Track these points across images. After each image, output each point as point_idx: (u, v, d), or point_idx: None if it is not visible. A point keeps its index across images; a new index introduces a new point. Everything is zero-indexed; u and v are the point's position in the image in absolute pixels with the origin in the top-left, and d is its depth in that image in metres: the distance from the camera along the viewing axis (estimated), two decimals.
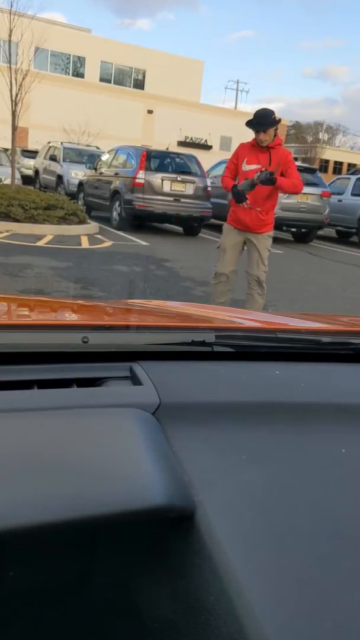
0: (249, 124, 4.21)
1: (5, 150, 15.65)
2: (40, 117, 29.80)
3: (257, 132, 4.18)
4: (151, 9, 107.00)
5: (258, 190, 4.20)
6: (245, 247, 4.50)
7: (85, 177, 13.64)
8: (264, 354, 0.91)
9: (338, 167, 48.57)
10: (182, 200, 11.01)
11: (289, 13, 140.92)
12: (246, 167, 4.30)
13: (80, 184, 13.84)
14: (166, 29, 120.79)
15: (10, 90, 10.71)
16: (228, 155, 4.70)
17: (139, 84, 39.03)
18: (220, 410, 0.74)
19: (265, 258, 4.48)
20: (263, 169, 4.12)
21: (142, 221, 11.41)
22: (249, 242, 4.44)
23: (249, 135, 4.34)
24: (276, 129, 4.23)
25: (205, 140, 36.68)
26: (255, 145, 4.26)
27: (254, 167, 4.24)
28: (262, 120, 4.17)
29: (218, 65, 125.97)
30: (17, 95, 10.75)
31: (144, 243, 9.86)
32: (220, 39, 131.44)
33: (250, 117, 4.26)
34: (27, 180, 17.44)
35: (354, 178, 14.12)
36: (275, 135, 4.22)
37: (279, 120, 4.25)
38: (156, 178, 10.90)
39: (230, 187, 4.30)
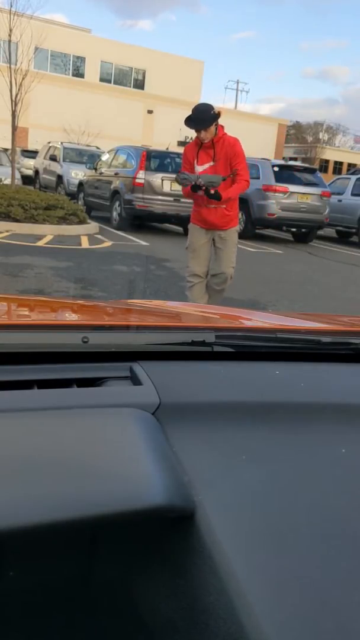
0: (188, 122, 4.07)
1: (5, 150, 15.65)
2: (40, 117, 29.78)
3: (197, 131, 4.07)
4: (153, 10, 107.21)
5: (219, 187, 4.11)
6: (214, 246, 4.39)
7: (85, 177, 13.63)
8: (264, 354, 0.91)
9: (338, 167, 48.53)
10: (182, 200, 10.97)
11: (289, 14, 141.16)
12: (198, 167, 4.19)
13: (80, 184, 13.84)
14: (167, 30, 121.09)
15: (10, 90, 10.71)
16: None
17: (139, 84, 39.00)
18: (220, 410, 0.74)
19: (234, 254, 4.39)
20: (209, 184, 4.06)
21: (142, 221, 11.41)
22: (218, 240, 4.34)
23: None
24: (216, 123, 4.09)
25: None
26: (200, 143, 4.15)
27: (206, 166, 4.15)
28: (202, 117, 4.04)
29: (219, 65, 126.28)
30: (17, 95, 10.75)
31: (144, 243, 9.86)
32: (221, 39, 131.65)
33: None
34: (27, 180, 17.44)
35: (354, 178, 14.12)
36: (216, 129, 4.10)
37: (219, 114, 4.10)
38: (156, 178, 10.90)
39: (187, 191, 4.23)
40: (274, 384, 0.84)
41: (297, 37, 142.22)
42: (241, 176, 4.15)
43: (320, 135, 55.26)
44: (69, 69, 37.09)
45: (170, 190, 10.95)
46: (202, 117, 4.04)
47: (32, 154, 21.75)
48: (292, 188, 11.72)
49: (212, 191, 4.05)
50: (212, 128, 4.06)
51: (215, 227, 4.30)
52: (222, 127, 4.19)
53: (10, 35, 10.76)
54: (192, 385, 0.79)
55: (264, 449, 0.69)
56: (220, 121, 4.14)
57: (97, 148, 18.40)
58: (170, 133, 31.44)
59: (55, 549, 0.66)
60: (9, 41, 10.78)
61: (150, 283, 6.66)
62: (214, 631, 0.52)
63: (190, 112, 4.08)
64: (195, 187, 4.11)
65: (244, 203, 11.46)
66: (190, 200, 4.49)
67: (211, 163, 4.13)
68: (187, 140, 35.94)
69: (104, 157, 13.12)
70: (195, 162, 4.18)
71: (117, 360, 0.81)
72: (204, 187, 4.06)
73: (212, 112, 4.06)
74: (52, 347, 0.79)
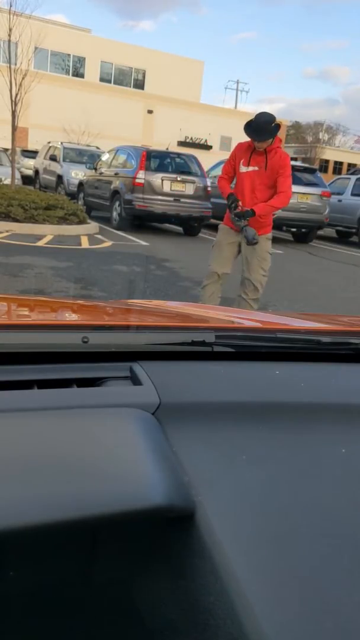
0: (248, 130, 4.06)
1: (5, 150, 15.65)
2: (40, 117, 29.79)
3: (254, 140, 4.06)
4: (154, 11, 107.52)
5: (257, 192, 4.14)
6: (241, 251, 4.34)
7: (85, 177, 13.63)
8: (264, 354, 0.91)
9: (338, 167, 48.55)
10: (182, 200, 11.00)
11: (290, 14, 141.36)
12: (242, 168, 4.18)
13: (80, 184, 13.84)
14: (169, 31, 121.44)
15: (10, 90, 10.71)
16: (228, 155, 4.65)
17: (139, 84, 39.00)
18: (220, 410, 0.74)
19: (265, 261, 4.33)
20: (246, 210, 4.10)
21: (142, 221, 11.41)
22: (247, 246, 4.27)
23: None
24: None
25: (205, 140, 36.66)
26: (253, 146, 4.14)
27: (250, 169, 4.14)
28: (261, 130, 4.03)
29: (220, 66, 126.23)
30: (17, 95, 10.75)
31: (144, 243, 9.86)
32: (222, 40, 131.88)
33: (251, 117, 4.17)
34: (27, 180, 17.44)
35: (354, 178, 14.11)
36: (273, 139, 4.10)
37: (279, 127, 4.11)
38: (156, 178, 10.90)
39: (227, 193, 4.21)
40: (274, 384, 0.84)
41: (298, 38, 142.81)
42: (281, 187, 4.17)
43: (320, 135, 55.27)
44: (69, 69, 37.09)
45: (170, 190, 10.96)
46: (262, 129, 4.03)
47: (32, 154, 21.75)
48: (292, 188, 11.67)
49: (245, 230, 4.11)
50: (270, 139, 4.09)
51: None
52: (280, 139, 4.22)
53: (9, 35, 10.76)
54: (192, 385, 0.79)
55: (264, 449, 0.69)
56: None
57: (97, 148, 18.40)
58: (170, 133, 31.46)
59: (55, 549, 0.66)
60: (9, 41, 10.77)
61: (150, 283, 6.66)
62: (214, 631, 0.52)
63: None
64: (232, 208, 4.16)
65: None
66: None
67: (256, 168, 4.14)
68: (187, 141, 35.91)
69: (104, 157, 13.12)
70: (242, 162, 4.17)
71: (117, 360, 0.81)
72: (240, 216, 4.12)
73: (272, 125, 4.05)
74: (52, 347, 0.79)
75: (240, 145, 4.31)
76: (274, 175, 4.15)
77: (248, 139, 4.19)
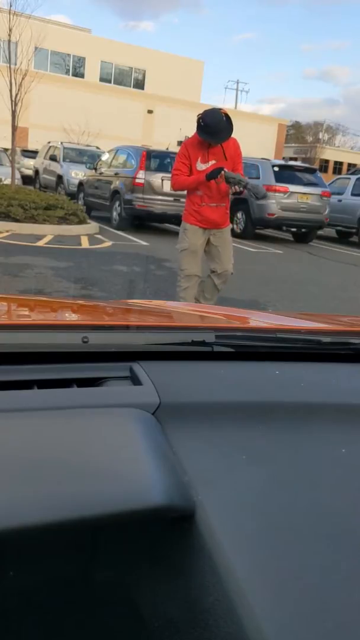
0: (207, 136, 4.00)
1: (5, 150, 15.65)
2: (40, 117, 29.78)
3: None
4: (155, 11, 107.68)
5: (222, 184, 4.11)
6: (213, 243, 4.35)
7: (85, 177, 13.63)
8: (264, 354, 0.91)
9: (338, 167, 48.54)
10: (182, 200, 10.97)
11: (291, 15, 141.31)
12: (201, 166, 4.13)
13: (80, 184, 13.84)
14: (170, 32, 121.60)
15: (10, 90, 10.71)
16: None
17: (139, 84, 38.99)
18: (220, 410, 0.74)
19: (232, 249, 4.42)
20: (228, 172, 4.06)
21: (142, 221, 11.41)
22: (216, 238, 4.32)
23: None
24: None
25: None
26: (204, 141, 4.09)
27: (209, 164, 4.10)
28: (219, 131, 4.00)
29: (220, 66, 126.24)
30: (17, 95, 10.75)
31: (144, 243, 9.86)
32: (222, 40, 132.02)
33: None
34: (27, 180, 17.44)
35: (354, 178, 14.11)
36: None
37: (228, 116, 4.06)
38: (156, 178, 10.90)
39: (199, 179, 4.09)
40: (274, 384, 0.84)
41: (299, 38, 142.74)
42: (241, 172, 4.24)
43: (320, 135, 55.28)
44: (69, 69, 37.08)
45: (170, 190, 10.95)
46: (221, 127, 4.00)
47: (32, 154, 21.75)
48: (292, 188, 11.71)
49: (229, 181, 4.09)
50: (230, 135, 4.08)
51: (214, 226, 4.29)
52: None
53: (9, 35, 10.75)
54: (192, 385, 0.79)
55: (264, 449, 0.69)
56: None
57: (97, 148, 18.39)
58: (170, 133, 31.43)
59: (55, 549, 0.66)
60: (9, 41, 10.77)
61: (150, 283, 6.66)
62: (214, 631, 0.52)
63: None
64: (210, 176, 4.07)
65: (244, 203, 11.45)
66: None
67: (214, 162, 4.12)
68: None
69: (104, 157, 13.11)
70: (199, 160, 4.13)
71: (117, 360, 0.81)
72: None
73: (227, 123, 4.02)
74: (52, 347, 0.79)
75: (190, 143, 4.22)
76: (232, 164, 4.16)
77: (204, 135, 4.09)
